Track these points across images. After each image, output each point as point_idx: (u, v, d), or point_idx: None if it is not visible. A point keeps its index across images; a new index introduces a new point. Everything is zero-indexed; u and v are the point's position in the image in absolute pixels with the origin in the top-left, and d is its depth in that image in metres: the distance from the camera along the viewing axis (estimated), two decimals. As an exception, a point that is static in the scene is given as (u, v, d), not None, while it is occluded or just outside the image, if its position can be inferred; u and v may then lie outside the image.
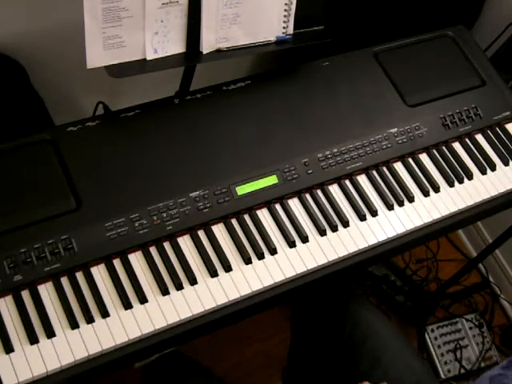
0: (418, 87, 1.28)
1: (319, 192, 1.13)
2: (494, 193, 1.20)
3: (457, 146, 1.26)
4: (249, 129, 1.15)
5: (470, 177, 1.21)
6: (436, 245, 2.06)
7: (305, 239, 1.07)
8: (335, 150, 1.15)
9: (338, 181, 1.15)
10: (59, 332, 0.92)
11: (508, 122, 1.31)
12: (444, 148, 1.25)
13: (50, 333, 0.91)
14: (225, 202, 1.06)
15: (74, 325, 0.92)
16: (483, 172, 1.23)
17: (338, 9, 1.42)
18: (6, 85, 1.32)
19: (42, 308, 0.93)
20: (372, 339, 1.17)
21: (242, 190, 1.08)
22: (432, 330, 1.89)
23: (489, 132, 1.29)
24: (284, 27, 1.18)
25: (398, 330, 1.22)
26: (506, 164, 1.25)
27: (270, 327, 1.78)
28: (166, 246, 1.02)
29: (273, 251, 1.05)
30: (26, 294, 0.94)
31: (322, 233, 1.08)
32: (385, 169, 1.19)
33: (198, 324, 0.98)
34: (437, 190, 1.18)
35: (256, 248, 1.05)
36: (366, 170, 1.17)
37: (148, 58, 1.08)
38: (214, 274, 1.01)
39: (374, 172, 1.18)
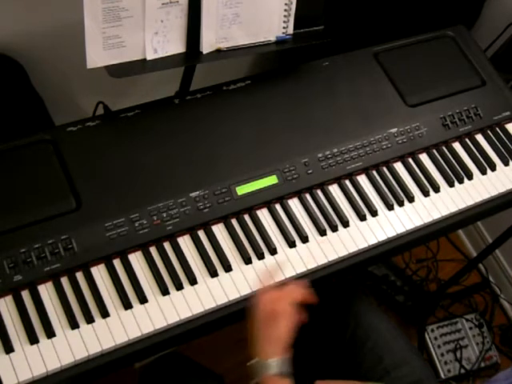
0: (418, 87, 1.28)
1: (319, 192, 1.13)
2: (494, 193, 1.20)
3: (457, 145, 1.26)
4: (249, 129, 1.15)
5: (469, 177, 1.21)
6: (436, 245, 2.06)
7: (305, 239, 1.07)
8: (335, 150, 1.15)
9: (338, 181, 1.15)
10: (59, 332, 0.92)
11: (508, 122, 1.31)
12: (444, 148, 1.25)
13: (50, 333, 0.91)
14: (225, 202, 1.06)
15: (74, 325, 0.92)
16: (483, 172, 1.23)
17: (338, 9, 1.42)
18: (6, 85, 1.32)
19: (42, 308, 0.93)
20: (374, 339, 1.17)
21: (241, 189, 1.08)
22: (432, 330, 1.89)
23: (489, 132, 1.29)
24: (284, 27, 1.18)
25: (399, 330, 1.22)
26: (506, 164, 1.25)
27: (270, 327, 1.78)
28: (166, 246, 1.02)
29: (273, 251, 1.05)
30: (25, 294, 0.94)
31: (322, 233, 1.08)
32: (385, 169, 1.19)
33: (198, 324, 0.98)
34: (437, 190, 1.18)
35: (256, 248, 1.05)
36: (365, 170, 1.17)
37: (148, 58, 1.08)
38: (213, 274, 1.01)
39: (374, 172, 1.18)
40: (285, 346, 0.93)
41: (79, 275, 0.97)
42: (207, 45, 1.12)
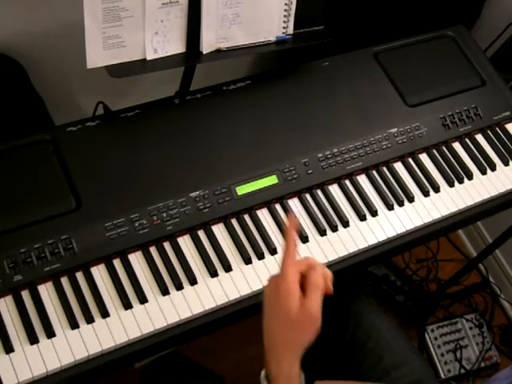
0: (418, 87, 1.28)
1: (319, 192, 1.13)
2: (494, 193, 1.20)
3: (457, 145, 1.26)
4: (249, 129, 1.15)
5: (470, 177, 1.21)
6: (436, 245, 2.06)
7: (305, 239, 1.07)
8: (335, 150, 1.15)
9: (338, 181, 1.15)
10: (59, 332, 0.92)
11: (508, 122, 1.31)
12: (444, 148, 1.24)
13: (50, 333, 0.91)
14: (225, 202, 1.06)
15: (74, 325, 0.92)
16: (483, 172, 1.23)
17: (338, 9, 1.42)
18: (5, 85, 1.32)
19: (42, 308, 0.93)
20: (375, 339, 1.16)
21: (241, 189, 1.08)
22: (432, 330, 1.89)
23: (489, 132, 1.29)
24: (284, 27, 1.18)
25: (400, 330, 1.22)
26: (506, 164, 1.25)
27: (270, 327, 1.78)
28: (166, 246, 1.02)
29: (273, 251, 1.05)
30: (25, 294, 0.94)
31: (322, 233, 1.08)
32: (385, 169, 1.19)
33: (198, 324, 0.98)
34: (437, 190, 1.18)
35: (256, 248, 1.05)
36: (365, 170, 1.17)
37: (148, 58, 1.08)
38: (213, 274, 1.01)
39: (374, 172, 1.18)
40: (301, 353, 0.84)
41: (79, 275, 0.97)
42: (207, 45, 1.12)
